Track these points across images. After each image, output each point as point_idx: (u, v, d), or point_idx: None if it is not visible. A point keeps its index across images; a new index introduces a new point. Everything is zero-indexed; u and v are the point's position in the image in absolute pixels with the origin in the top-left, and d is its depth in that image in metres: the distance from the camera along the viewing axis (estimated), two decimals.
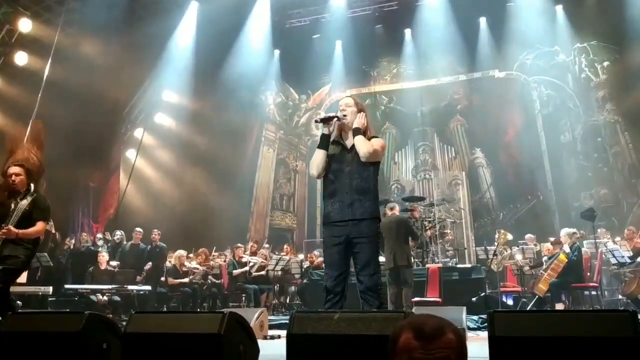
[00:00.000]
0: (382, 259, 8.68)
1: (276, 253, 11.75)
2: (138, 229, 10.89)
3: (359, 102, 4.01)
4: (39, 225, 4.69)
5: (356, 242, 3.69)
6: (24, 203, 4.64)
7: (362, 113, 3.89)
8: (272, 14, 14.50)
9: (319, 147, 3.91)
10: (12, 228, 4.46)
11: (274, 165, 16.49)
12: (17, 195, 4.70)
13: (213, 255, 11.99)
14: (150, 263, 10.30)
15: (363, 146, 3.74)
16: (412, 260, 8.41)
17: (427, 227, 9.86)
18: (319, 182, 15.95)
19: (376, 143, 3.82)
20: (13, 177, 4.68)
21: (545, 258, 9.24)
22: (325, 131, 3.89)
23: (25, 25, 11.87)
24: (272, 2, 14.33)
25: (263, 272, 10.71)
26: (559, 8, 13.64)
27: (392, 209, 8.27)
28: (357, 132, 3.80)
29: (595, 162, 13.44)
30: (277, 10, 14.38)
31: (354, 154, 3.80)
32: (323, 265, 11.56)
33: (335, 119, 3.85)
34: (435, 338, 1.43)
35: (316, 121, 4.07)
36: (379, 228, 3.82)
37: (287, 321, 2.76)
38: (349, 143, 3.86)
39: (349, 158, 3.82)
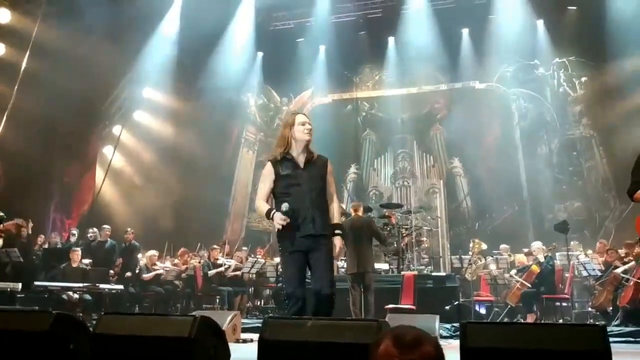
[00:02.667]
0: (341, 263, 8.53)
1: (252, 256, 11.69)
2: (106, 226, 10.75)
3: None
4: None
5: (313, 252, 3.89)
6: None
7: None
8: (257, 15, 14.47)
9: (270, 163, 4.07)
10: None
11: (253, 167, 16.41)
12: None
13: (189, 256, 11.88)
14: (120, 259, 10.20)
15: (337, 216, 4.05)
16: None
17: (404, 234, 9.90)
18: None
19: (332, 182, 4.14)
20: None
21: (513, 272, 9.36)
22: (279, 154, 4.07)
23: (3, 15, 11.62)
24: (257, 4, 14.31)
25: (238, 273, 10.66)
26: (540, 23, 13.86)
27: (355, 210, 7.83)
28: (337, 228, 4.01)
29: (570, 175, 13.67)
30: (262, 12, 14.36)
31: (308, 172, 3.99)
32: None
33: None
34: (413, 347, 1.47)
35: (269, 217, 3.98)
36: (333, 235, 3.98)
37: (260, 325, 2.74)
38: (301, 161, 4.02)
39: (304, 176, 3.97)
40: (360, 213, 7.93)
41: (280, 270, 10.86)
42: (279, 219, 3.77)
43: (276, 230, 3.88)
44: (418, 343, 1.48)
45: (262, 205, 3.97)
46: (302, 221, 3.83)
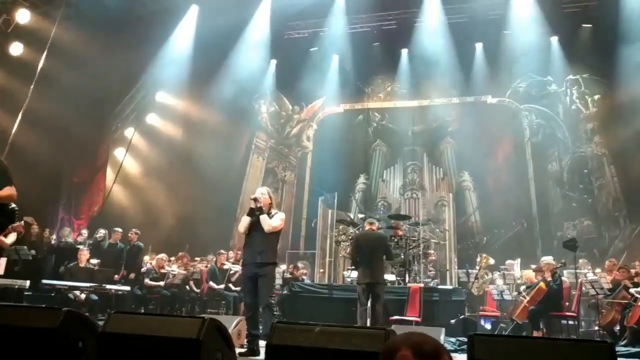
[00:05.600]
0: (354, 274, 8.76)
1: None
2: (117, 228, 10.80)
3: (270, 193, 6.11)
4: (5, 190, 4.34)
5: (260, 276, 5.68)
6: None
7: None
8: (272, 23, 14.55)
9: (247, 214, 5.93)
10: None
11: (263, 174, 16.46)
12: None
13: (195, 260, 11.92)
14: (123, 267, 10.22)
15: (265, 224, 5.77)
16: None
17: (411, 246, 9.87)
18: (307, 194, 15.98)
19: (275, 218, 5.83)
20: None
21: (523, 287, 9.29)
22: (253, 205, 5.89)
23: (23, 15, 11.81)
24: (272, 12, 14.38)
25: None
26: (554, 39, 13.85)
27: (371, 224, 8.28)
28: (261, 211, 5.87)
29: (580, 193, 13.59)
30: (277, 20, 14.43)
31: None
32: (304, 277, 11.57)
33: (255, 201, 5.89)
34: (434, 358, 1.42)
35: (252, 199, 5.98)
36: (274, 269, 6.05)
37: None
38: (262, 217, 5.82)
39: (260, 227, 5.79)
40: (374, 228, 8.25)
41: (287, 276, 10.96)
42: None
43: None
44: (438, 354, 1.42)
45: None
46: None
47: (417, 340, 1.45)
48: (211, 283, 10.50)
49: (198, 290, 10.78)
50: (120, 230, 10.74)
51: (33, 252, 9.73)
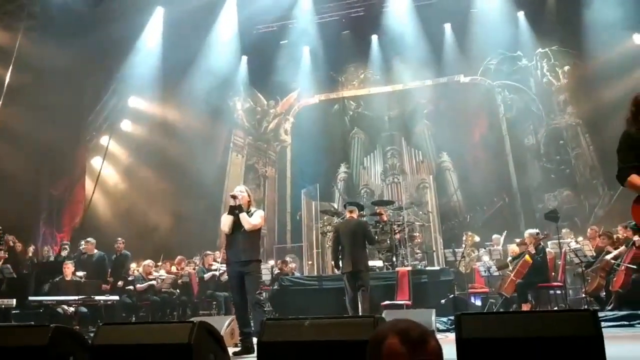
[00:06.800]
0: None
1: None
2: (90, 239, 10.39)
3: (248, 191, 6.13)
4: None
5: (246, 274, 5.72)
6: None
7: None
8: (239, 20, 14.45)
9: (228, 213, 5.94)
10: None
11: (243, 171, 16.42)
12: None
13: (183, 263, 11.87)
14: (111, 276, 10.11)
15: (245, 223, 5.79)
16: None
17: (396, 231, 9.94)
18: (289, 188, 15.97)
19: (255, 217, 5.86)
20: None
21: (509, 259, 9.43)
22: (232, 203, 5.91)
23: None
24: (238, 8, 14.28)
25: None
26: (521, 14, 13.98)
27: (351, 212, 8.19)
28: (240, 210, 5.86)
29: (557, 164, 13.80)
30: (244, 16, 14.33)
31: None
32: (294, 272, 11.60)
33: (234, 198, 5.92)
34: (422, 343, 1.42)
35: (231, 196, 6.03)
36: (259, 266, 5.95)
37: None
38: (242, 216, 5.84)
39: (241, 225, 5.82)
40: (354, 215, 8.18)
41: (276, 272, 10.97)
42: None
43: None
44: (425, 339, 1.43)
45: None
46: None
47: (404, 326, 1.45)
48: (204, 275, 10.46)
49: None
50: (92, 240, 10.41)
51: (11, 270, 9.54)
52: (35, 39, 11.82)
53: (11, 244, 10.59)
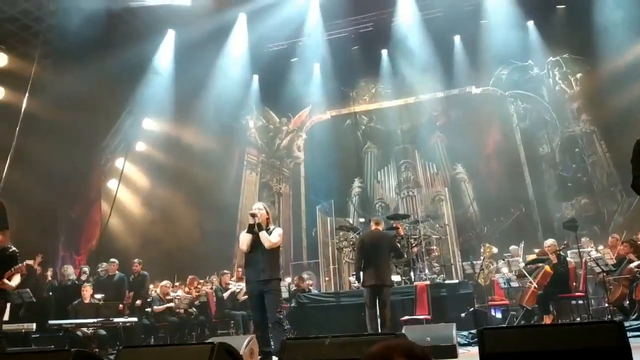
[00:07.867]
0: (352, 279, 8.57)
1: None
2: (113, 260, 10.53)
3: (267, 208, 6.17)
4: None
5: (266, 292, 5.74)
6: None
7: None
8: (250, 39, 14.59)
9: (247, 231, 5.98)
10: None
11: (258, 189, 16.47)
12: None
13: (200, 283, 11.88)
14: (130, 292, 10.17)
15: (265, 241, 5.82)
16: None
17: (413, 245, 9.88)
18: (304, 205, 15.98)
19: (274, 234, 5.86)
20: None
21: (522, 265, 9.29)
22: (251, 222, 5.94)
23: (0, 59, 11.78)
24: (249, 27, 14.43)
25: None
26: (530, 23, 13.96)
27: (377, 223, 7.99)
28: (260, 228, 5.91)
29: (574, 172, 13.65)
30: (255, 35, 14.47)
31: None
32: (310, 288, 11.54)
33: (253, 217, 5.95)
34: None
35: (250, 214, 6.06)
36: (279, 284, 6.00)
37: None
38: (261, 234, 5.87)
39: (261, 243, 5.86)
40: (380, 228, 8.04)
41: (293, 289, 10.93)
42: None
43: None
44: (428, 357, 1.43)
45: None
46: None
47: (405, 345, 1.45)
48: (223, 294, 10.46)
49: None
50: (115, 260, 10.56)
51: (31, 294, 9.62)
52: (50, 65, 12.03)
53: (37, 265, 10.70)
